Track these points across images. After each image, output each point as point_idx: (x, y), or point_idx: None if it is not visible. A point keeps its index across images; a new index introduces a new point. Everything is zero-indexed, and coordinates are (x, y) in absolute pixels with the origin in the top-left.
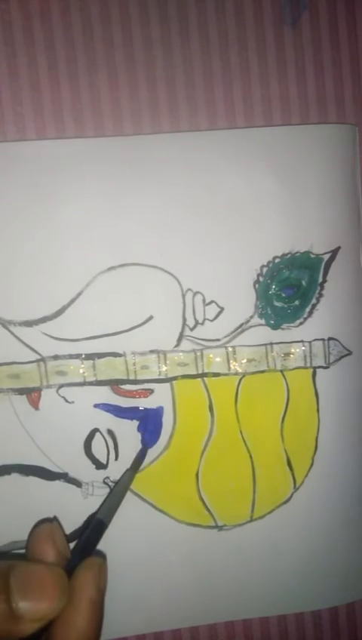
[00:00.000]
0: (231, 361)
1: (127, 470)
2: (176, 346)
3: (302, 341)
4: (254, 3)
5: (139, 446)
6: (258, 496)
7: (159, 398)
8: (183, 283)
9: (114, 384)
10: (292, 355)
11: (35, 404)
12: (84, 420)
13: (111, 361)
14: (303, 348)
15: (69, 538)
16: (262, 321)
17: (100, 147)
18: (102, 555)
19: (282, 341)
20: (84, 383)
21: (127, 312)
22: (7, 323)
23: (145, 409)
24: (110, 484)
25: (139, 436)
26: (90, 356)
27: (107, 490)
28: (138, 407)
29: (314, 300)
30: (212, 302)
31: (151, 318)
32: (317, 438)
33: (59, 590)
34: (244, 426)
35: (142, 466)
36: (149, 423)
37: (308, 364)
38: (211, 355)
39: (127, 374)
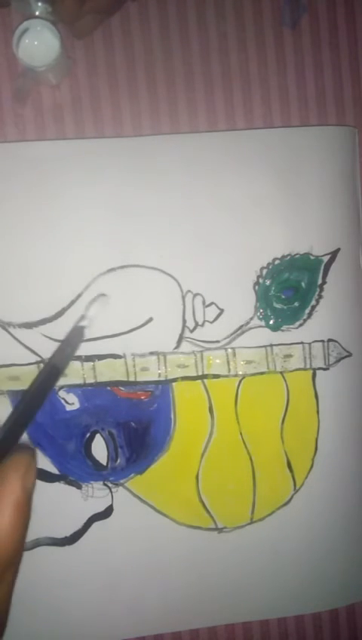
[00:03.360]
0: (231, 363)
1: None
2: (176, 347)
3: (301, 343)
4: (254, 5)
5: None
6: (258, 498)
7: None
8: (183, 285)
9: (114, 385)
10: (292, 357)
11: None
12: (84, 421)
13: (111, 362)
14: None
15: (68, 540)
16: (262, 323)
17: (100, 148)
18: (30, 451)
19: (282, 343)
20: (84, 385)
21: (126, 314)
22: (7, 325)
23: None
24: (110, 485)
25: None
26: (90, 358)
27: (107, 491)
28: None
29: (313, 302)
30: (212, 303)
31: (151, 319)
32: (317, 439)
33: None
34: (244, 428)
35: (143, 468)
36: None
37: (308, 366)
38: (211, 357)
39: (126, 376)
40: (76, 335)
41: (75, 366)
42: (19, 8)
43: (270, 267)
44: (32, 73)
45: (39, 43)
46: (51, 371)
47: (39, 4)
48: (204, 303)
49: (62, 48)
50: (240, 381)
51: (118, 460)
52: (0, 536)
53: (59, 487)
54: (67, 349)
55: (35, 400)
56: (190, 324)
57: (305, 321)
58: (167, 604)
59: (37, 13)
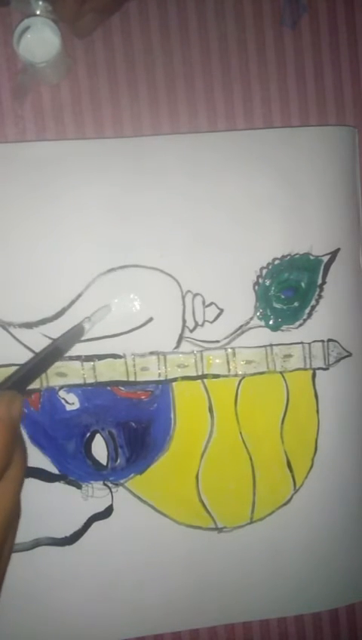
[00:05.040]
0: (230, 363)
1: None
2: (176, 347)
3: (301, 342)
4: (254, 5)
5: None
6: (258, 498)
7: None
8: (183, 285)
9: (114, 385)
10: (291, 357)
11: (34, 406)
12: (84, 421)
13: (111, 362)
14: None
15: (68, 540)
16: (262, 323)
17: (100, 149)
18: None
19: (282, 343)
20: (84, 385)
21: (126, 314)
22: (7, 325)
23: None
24: (110, 485)
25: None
26: (90, 358)
27: (107, 491)
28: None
29: (313, 302)
30: (212, 303)
31: (151, 319)
32: (316, 439)
33: None
34: (244, 428)
35: (143, 468)
36: None
37: (308, 366)
38: (211, 357)
39: (126, 376)
40: (77, 332)
41: (75, 366)
42: (20, 7)
43: (270, 267)
44: (32, 70)
45: (40, 39)
46: (54, 351)
47: (40, 3)
48: (203, 303)
49: (63, 46)
50: (240, 381)
51: (118, 460)
52: None
53: (59, 487)
54: (69, 338)
55: (31, 374)
56: (190, 324)
57: (304, 321)
58: (166, 604)
59: (37, 12)
